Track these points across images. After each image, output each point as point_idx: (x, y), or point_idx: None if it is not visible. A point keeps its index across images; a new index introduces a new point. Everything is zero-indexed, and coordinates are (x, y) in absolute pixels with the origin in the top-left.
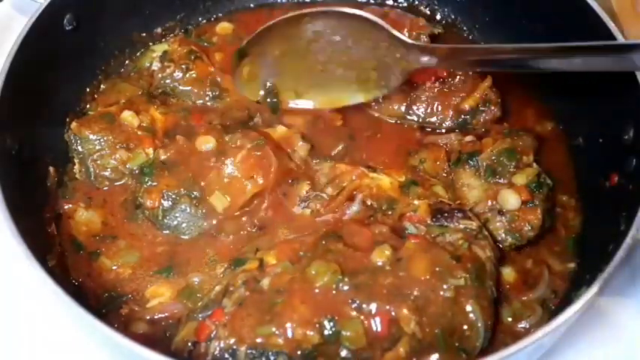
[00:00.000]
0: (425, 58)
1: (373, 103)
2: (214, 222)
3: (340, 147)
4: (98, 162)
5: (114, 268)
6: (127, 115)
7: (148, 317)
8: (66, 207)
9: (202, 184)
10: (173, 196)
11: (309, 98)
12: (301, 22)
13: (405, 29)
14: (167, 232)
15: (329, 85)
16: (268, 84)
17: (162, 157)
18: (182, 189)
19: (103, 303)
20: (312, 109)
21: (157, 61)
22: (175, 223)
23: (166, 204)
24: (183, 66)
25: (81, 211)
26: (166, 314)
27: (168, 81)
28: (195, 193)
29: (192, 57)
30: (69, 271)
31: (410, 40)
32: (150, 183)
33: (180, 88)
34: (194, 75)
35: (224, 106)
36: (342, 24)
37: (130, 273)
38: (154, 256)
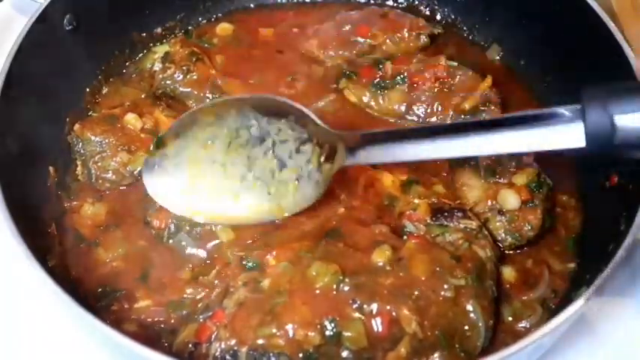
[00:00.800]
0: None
1: (373, 103)
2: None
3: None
4: (99, 164)
5: (107, 260)
6: (131, 118)
7: (134, 317)
8: (74, 204)
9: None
10: (178, 221)
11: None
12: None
13: (405, 29)
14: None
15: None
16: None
17: None
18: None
19: (97, 298)
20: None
21: (158, 62)
22: (179, 246)
23: (172, 227)
24: (184, 67)
25: (87, 206)
26: (156, 319)
27: (168, 82)
28: (198, 228)
29: (194, 59)
30: (69, 270)
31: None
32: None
33: (181, 89)
34: (194, 77)
35: None
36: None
37: (123, 267)
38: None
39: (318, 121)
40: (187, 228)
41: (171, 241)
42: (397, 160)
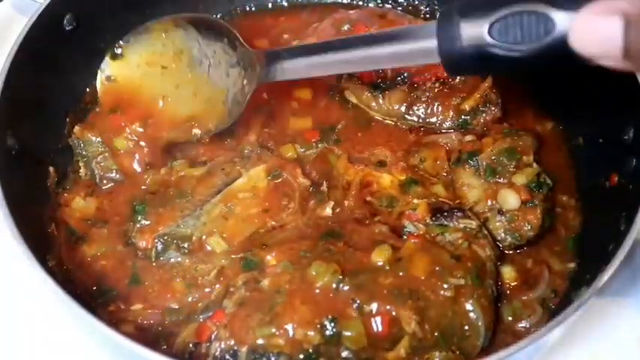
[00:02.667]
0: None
1: (373, 104)
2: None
3: (340, 125)
4: (102, 164)
5: (92, 258)
6: None
7: (130, 319)
8: (65, 196)
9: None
10: (165, 238)
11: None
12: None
13: None
14: None
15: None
16: None
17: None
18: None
19: (93, 296)
20: None
21: None
22: (170, 263)
23: (160, 246)
24: None
25: (78, 199)
26: (152, 322)
27: None
28: (186, 244)
29: None
30: (68, 269)
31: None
32: (143, 222)
33: None
34: None
35: None
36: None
37: (110, 267)
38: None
39: (243, 43)
40: (175, 244)
41: (162, 258)
42: (301, 76)
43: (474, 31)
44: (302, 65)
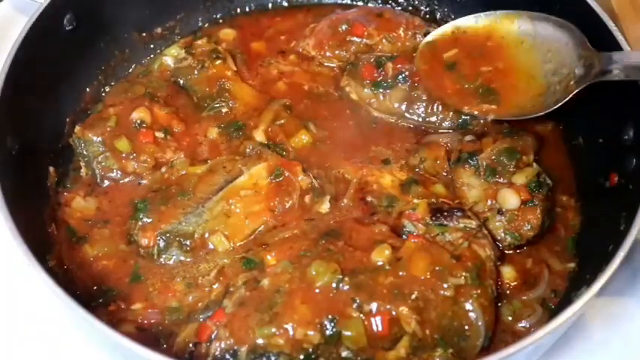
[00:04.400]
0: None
1: (374, 101)
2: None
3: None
4: (103, 164)
5: (93, 258)
6: (142, 112)
7: (131, 319)
8: (65, 194)
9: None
10: (167, 236)
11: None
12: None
13: (401, 28)
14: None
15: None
16: None
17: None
18: (176, 235)
19: (93, 296)
20: None
21: (180, 50)
22: (171, 262)
23: (162, 244)
24: (200, 62)
25: (79, 199)
26: (153, 321)
27: (182, 72)
28: (188, 241)
29: (214, 56)
30: (68, 269)
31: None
32: (145, 220)
33: (190, 82)
34: (207, 73)
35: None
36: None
37: (112, 267)
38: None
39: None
40: (177, 242)
41: (164, 255)
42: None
43: None
44: None
